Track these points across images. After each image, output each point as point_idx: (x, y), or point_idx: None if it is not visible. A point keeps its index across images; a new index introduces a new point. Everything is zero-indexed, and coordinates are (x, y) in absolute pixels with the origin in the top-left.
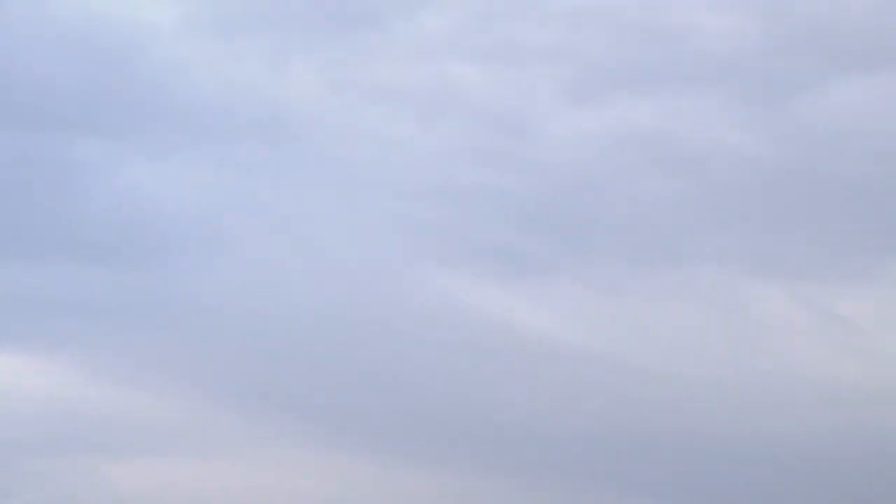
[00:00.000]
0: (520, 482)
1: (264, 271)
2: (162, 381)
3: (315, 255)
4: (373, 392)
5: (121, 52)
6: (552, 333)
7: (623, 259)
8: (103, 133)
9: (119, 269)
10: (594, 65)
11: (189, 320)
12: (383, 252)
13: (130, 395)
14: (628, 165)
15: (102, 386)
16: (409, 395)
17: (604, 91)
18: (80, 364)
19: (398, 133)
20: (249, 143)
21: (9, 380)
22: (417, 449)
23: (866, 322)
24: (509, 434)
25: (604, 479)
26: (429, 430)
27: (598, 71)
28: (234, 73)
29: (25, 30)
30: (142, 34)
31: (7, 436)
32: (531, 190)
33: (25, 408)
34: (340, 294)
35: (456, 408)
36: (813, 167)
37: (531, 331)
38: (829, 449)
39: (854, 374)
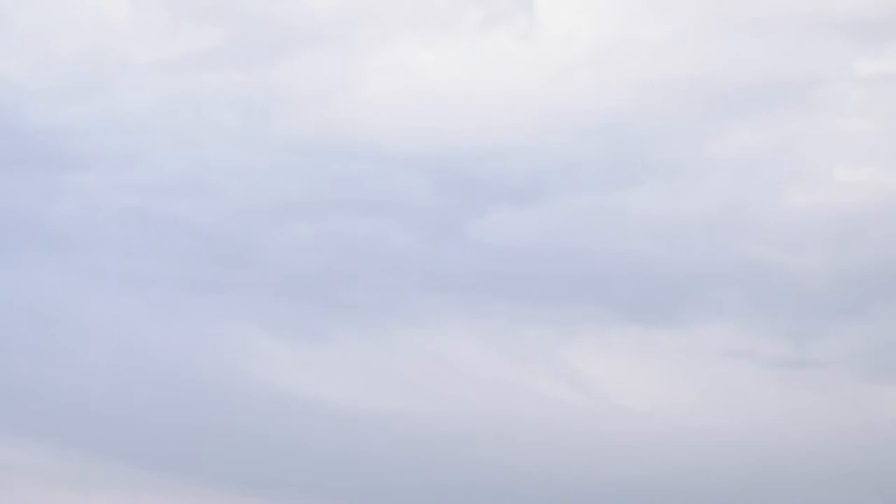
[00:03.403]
0: None
1: (72, 356)
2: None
3: (118, 344)
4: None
5: None
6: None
7: (384, 330)
8: None
9: None
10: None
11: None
12: (182, 337)
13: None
14: (350, 267)
15: None
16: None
17: (304, 216)
18: None
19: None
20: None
21: None
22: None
23: (606, 382)
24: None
25: None
26: (245, 473)
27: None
28: None
29: None
30: None
31: None
32: (281, 282)
33: None
34: (156, 375)
35: (259, 456)
36: (507, 269)
37: (310, 389)
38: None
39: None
